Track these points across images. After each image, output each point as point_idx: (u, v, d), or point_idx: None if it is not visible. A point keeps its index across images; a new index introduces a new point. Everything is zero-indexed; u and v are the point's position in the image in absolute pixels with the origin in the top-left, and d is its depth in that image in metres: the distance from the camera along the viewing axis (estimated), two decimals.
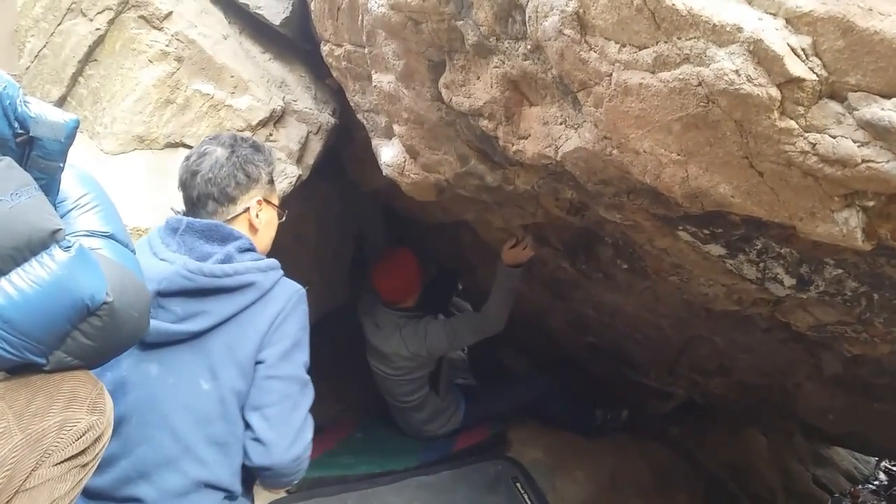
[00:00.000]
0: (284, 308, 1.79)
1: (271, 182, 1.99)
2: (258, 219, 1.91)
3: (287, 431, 1.74)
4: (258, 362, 1.74)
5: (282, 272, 1.87)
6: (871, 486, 5.84)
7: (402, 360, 3.65)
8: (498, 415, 4.14)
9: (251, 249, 1.85)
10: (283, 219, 2.04)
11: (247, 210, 1.90)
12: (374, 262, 3.81)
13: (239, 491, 1.77)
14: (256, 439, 1.72)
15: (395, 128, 2.45)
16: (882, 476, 6.03)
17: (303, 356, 1.83)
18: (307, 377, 1.83)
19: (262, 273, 1.80)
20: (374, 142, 2.75)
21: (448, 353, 3.80)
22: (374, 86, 2.39)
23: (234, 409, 1.71)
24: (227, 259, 1.76)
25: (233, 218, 1.88)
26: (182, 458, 1.67)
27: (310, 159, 2.99)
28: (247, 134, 2.05)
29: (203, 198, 1.86)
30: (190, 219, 1.83)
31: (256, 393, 1.74)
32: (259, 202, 1.92)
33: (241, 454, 1.74)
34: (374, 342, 3.77)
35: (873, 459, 6.07)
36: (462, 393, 4.09)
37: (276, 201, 2.02)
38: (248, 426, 1.74)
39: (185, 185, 1.89)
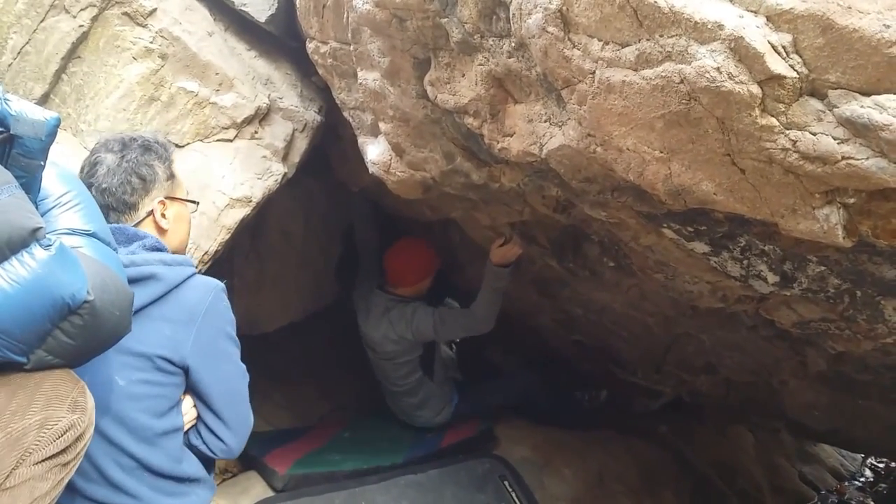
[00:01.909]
0: (200, 308, 1.76)
1: (172, 177, 1.95)
2: (164, 219, 1.89)
3: (243, 427, 1.86)
4: (192, 367, 1.74)
5: (194, 269, 1.83)
6: (857, 482, 5.88)
7: (390, 344, 3.69)
8: (486, 409, 4.16)
9: (159, 248, 1.81)
10: (196, 210, 2.02)
11: (150, 213, 1.87)
12: (394, 242, 3.86)
13: (189, 474, 1.78)
14: (217, 437, 1.80)
15: (381, 125, 2.44)
16: (868, 473, 6.07)
17: (235, 348, 1.85)
18: (243, 366, 1.87)
19: (166, 266, 1.75)
20: (360, 139, 2.75)
21: (434, 340, 3.79)
22: (360, 83, 2.38)
23: (155, 403, 1.70)
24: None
25: (137, 224, 1.85)
26: (113, 456, 1.66)
27: (295, 157, 2.97)
28: (139, 132, 2.00)
29: (103, 209, 1.81)
30: None
31: (205, 395, 1.78)
32: (161, 202, 1.88)
33: (173, 441, 1.75)
34: (364, 329, 3.81)
35: (859, 456, 6.11)
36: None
37: (181, 194, 1.98)
38: (204, 422, 1.81)
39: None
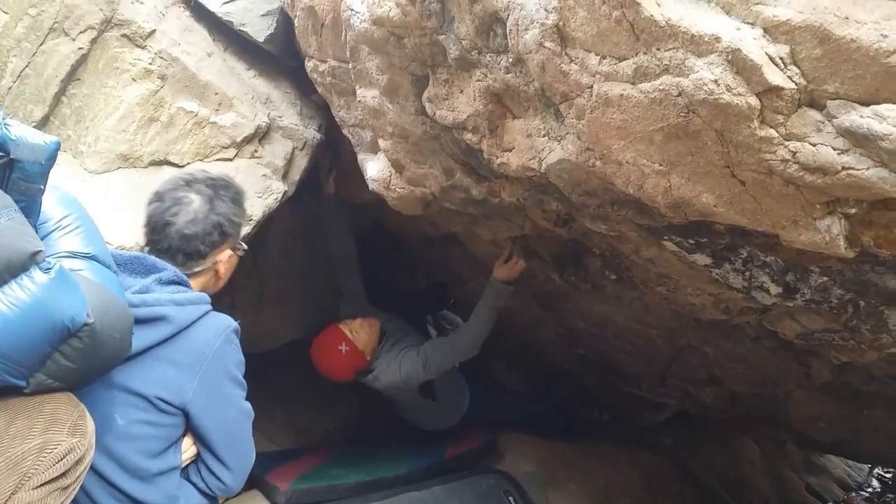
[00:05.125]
0: (206, 353, 1.73)
1: (241, 228, 1.96)
2: (224, 269, 1.91)
3: (243, 468, 1.84)
4: (193, 412, 1.71)
5: (208, 307, 1.79)
6: (864, 493, 5.85)
7: (381, 387, 3.56)
8: (492, 420, 4.18)
9: (177, 282, 1.77)
10: (242, 253, 2.00)
11: (215, 263, 1.88)
12: (315, 335, 3.53)
13: None
14: (217, 477, 1.78)
15: (381, 142, 2.45)
16: (875, 483, 6.03)
17: (240, 391, 1.82)
18: (247, 407, 1.84)
19: (178, 307, 1.71)
20: (360, 156, 2.75)
21: (427, 379, 3.57)
22: (359, 101, 2.39)
23: (153, 443, 1.68)
24: (143, 291, 1.69)
25: (199, 271, 1.85)
26: (108, 491, 1.64)
27: (296, 175, 2.98)
28: (222, 173, 1.97)
29: (174, 251, 1.81)
30: (118, 252, 1.78)
31: (206, 439, 1.75)
32: (229, 256, 1.90)
33: (169, 480, 1.72)
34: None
35: (866, 467, 6.08)
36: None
37: (239, 244, 1.99)
38: (204, 462, 1.78)
39: (154, 230, 1.83)
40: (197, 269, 1.84)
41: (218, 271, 1.90)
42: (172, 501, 1.72)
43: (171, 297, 1.71)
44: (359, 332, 3.44)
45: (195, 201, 1.83)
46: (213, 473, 1.78)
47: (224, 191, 1.89)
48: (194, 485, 1.79)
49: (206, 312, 1.77)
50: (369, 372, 3.49)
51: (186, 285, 1.79)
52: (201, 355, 1.71)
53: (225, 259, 1.89)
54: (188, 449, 1.78)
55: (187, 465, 1.79)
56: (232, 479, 1.81)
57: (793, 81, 1.18)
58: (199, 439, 1.77)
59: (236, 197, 1.92)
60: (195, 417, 1.71)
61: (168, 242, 1.81)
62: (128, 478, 1.64)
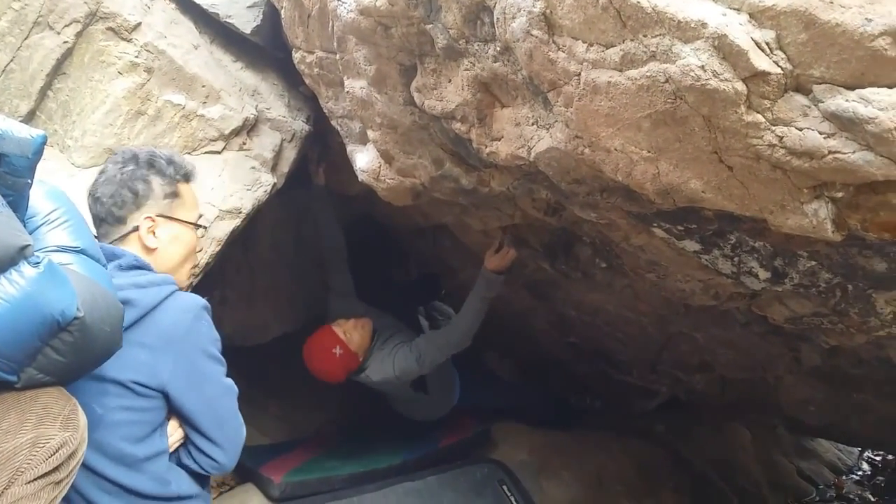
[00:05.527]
0: (177, 333, 1.70)
1: (174, 196, 1.88)
2: (154, 237, 1.82)
3: (234, 444, 1.82)
4: (172, 393, 1.69)
5: (172, 287, 1.76)
6: (854, 476, 5.89)
7: (373, 384, 3.56)
8: (485, 410, 4.20)
9: (139, 266, 1.74)
10: (202, 234, 1.96)
11: (136, 229, 1.81)
12: (308, 336, 3.50)
13: (180, 493, 1.75)
14: (208, 456, 1.77)
15: (370, 133, 2.44)
16: (865, 466, 6.08)
17: (218, 367, 1.80)
18: (229, 382, 1.82)
19: (140, 289, 1.68)
20: (349, 148, 2.75)
21: (422, 373, 3.56)
22: (347, 92, 2.38)
23: (135, 429, 1.67)
24: None
25: (120, 238, 1.80)
26: (96, 483, 1.63)
27: (284, 167, 2.97)
28: (159, 149, 1.94)
29: (97, 220, 1.80)
30: None
31: (190, 419, 1.74)
32: (150, 219, 1.81)
33: (157, 465, 1.71)
34: None
35: (856, 450, 6.12)
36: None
37: (184, 216, 1.90)
38: (193, 443, 1.77)
39: (88, 208, 1.82)
40: (117, 237, 1.80)
41: (142, 239, 1.81)
42: (163, 485, 1.71)
43: (133, 280, 1.69)
44: (352, 333, 3.43)
45: (109, 168, 1.84)
46: (203, 453, 1.77)
47: (142, 156, 1.87)
48: (187, 467, 1.78)
49: (171, 293, 1.75)
50: (361, 371, 3.48)
51: (147, 269, 1.77)
52: (171, 337, 1.69)
53: (145, 222, 1.81)
54: (174, 432, 1.77)
55: (177, 450, 1.78)
56: (224, 457, 1.79)
57: (779, 66, 1.19)
58: (185, 421, 1.75)
59: (152, 160, 1.87)
60: (176, 399, 1.70)
61: (92, 213, 1.81)
62: (114, 466, 1.64)
